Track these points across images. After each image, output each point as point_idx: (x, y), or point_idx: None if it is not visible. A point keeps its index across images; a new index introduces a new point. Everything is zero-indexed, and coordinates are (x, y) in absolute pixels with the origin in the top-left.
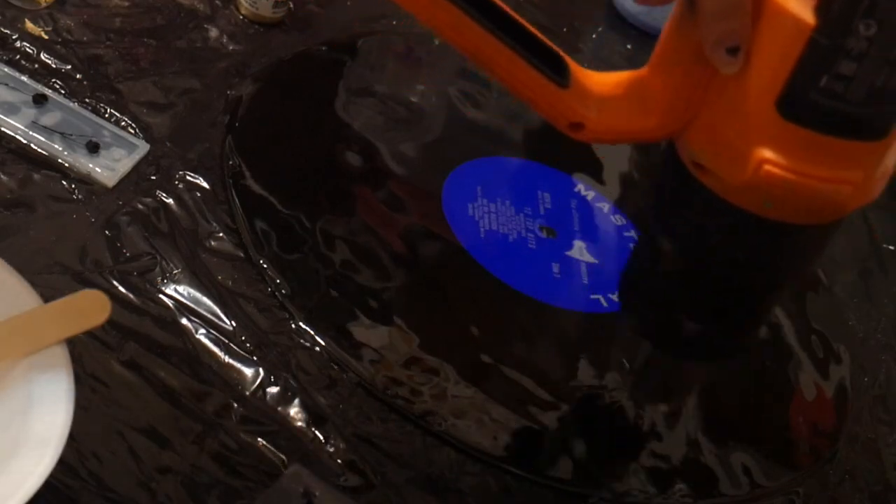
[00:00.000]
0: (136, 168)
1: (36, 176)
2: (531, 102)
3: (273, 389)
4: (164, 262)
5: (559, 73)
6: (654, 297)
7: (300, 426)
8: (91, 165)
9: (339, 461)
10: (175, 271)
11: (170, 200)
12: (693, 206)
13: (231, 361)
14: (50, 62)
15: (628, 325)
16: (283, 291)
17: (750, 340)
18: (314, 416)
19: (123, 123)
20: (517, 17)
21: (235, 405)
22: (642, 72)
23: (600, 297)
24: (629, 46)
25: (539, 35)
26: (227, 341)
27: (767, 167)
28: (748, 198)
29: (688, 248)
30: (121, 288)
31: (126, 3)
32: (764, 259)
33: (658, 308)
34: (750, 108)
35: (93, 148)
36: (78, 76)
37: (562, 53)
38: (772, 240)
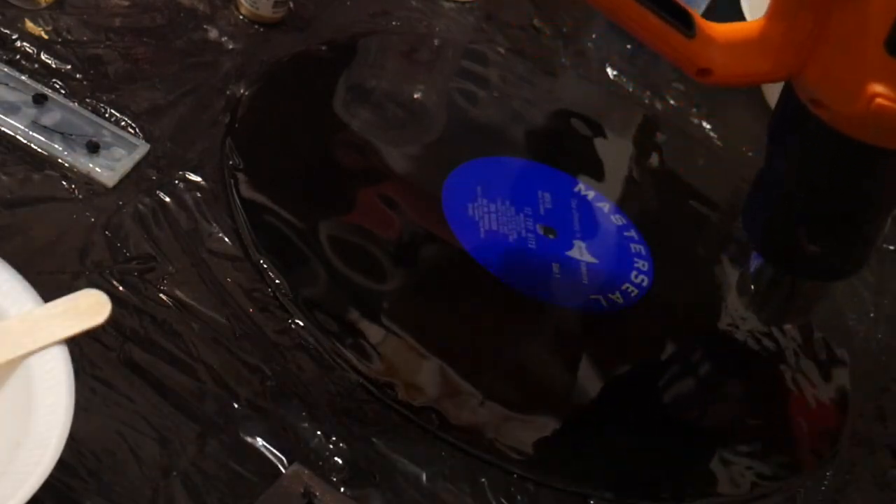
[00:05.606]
0: (136, 168)
1: (36, 176)
2: (664, 52)
3: (273, 389)
4: (164, 262)
5: (686, 25)
6: (775, 223)
7: (300, 426)
8: (91, 165)
9: (339, 461)
10: (175, 271)
11: (170, 200)
12: (810, 138)
13: (231, 361)
14: (50, 62)
15: (755, 250)
16: (283, 291)
17: (862, 262)
18: (314, 415)
19: (123, 123)
20: None
21: (235, 405)
22: (762, 20)
23: (600, 297)
24: (629, 46)
25: None
26: (227, 341)
27: (879, 100)
28: (861, 129)
29: (806, 179)
30: (121, 288)
31: (126, 3)
32: (876, 185)
33: (779, 233)
34: (861, 48)
35: (93, 148)
36: (78, 76)
37: (688, 9)
38: (881, 166)
